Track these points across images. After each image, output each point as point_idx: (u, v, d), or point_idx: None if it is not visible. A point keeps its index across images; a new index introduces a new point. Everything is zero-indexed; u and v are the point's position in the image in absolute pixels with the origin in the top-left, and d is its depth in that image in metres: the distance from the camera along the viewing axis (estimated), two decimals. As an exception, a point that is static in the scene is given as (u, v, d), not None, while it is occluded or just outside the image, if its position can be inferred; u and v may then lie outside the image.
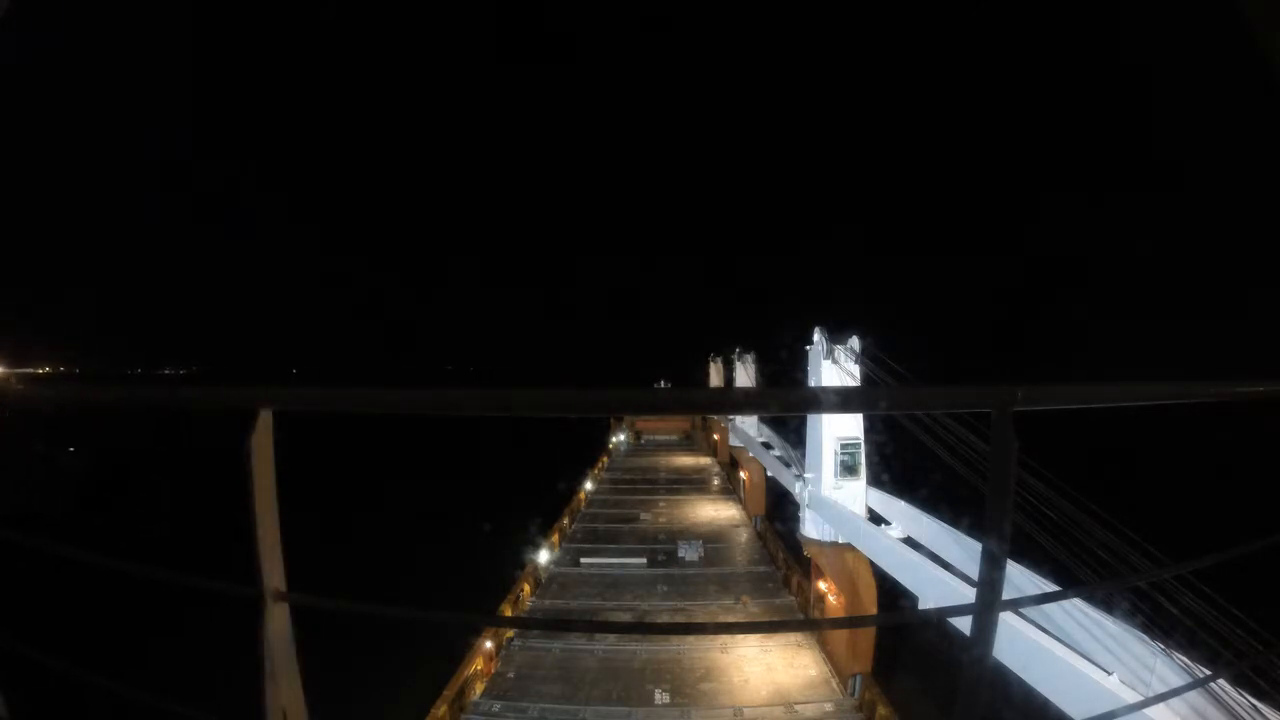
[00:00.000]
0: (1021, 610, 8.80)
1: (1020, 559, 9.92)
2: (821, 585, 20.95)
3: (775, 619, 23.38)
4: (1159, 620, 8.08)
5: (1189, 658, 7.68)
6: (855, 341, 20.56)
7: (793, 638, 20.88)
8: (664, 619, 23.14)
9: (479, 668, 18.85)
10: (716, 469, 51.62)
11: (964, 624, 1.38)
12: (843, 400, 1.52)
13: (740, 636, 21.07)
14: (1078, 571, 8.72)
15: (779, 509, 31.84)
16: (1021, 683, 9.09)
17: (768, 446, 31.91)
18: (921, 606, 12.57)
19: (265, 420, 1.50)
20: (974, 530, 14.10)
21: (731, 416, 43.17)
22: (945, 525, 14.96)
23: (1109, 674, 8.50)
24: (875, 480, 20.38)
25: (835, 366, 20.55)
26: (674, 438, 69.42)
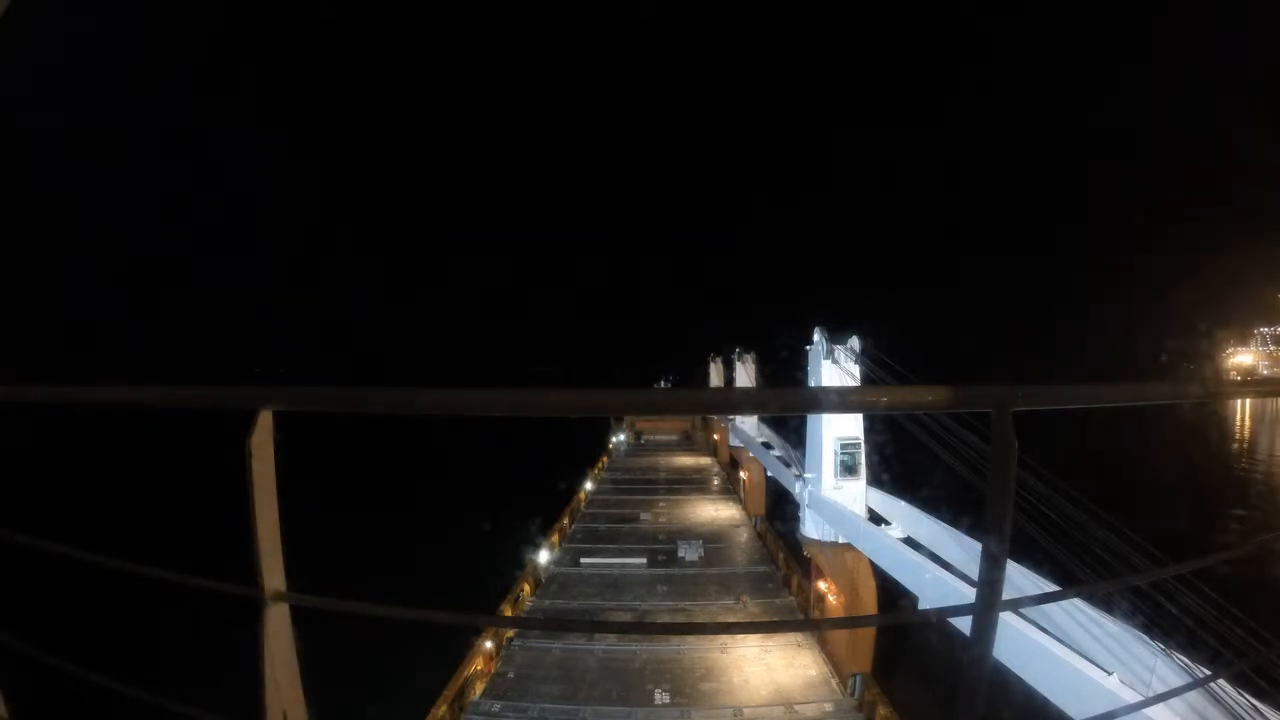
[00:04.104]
0: (1021, 610, 8.80)
1: (1020, 559, 9.91)
2: (821, 585, 20.95)
3: (775, 619, 23.38)
4: (1159, 620, 8.07)
5: (1189, 658, 7.67)
6: (855, 341, 20.58)
7: (793, 638, 20.87)
8: (664, 619, 23.13)
9: (479, 668, 18.85)
10: (716, 469, 51.57)
11: (964, 624, 1.37)
12: (843, 400, 1.52)
13: (740, 636, 21.07)
14: (1078, 571, 8.72)
15: (779, 509, 31.80)
16: (1021, 683, 9.08)
17: (768, 446, 31.91)
18: (921, 606, 12.58)
19: (265, 420, 1.49)
20: (974, 530, 14.10)
21: (731, 416, 43.20)
22: (945, 525, 14.97)
23: (1109, 674, 8.50)
24: (875, 480, 20.39)
25: (835, 366, 20.56)
26: (674, 438, 69.35)
